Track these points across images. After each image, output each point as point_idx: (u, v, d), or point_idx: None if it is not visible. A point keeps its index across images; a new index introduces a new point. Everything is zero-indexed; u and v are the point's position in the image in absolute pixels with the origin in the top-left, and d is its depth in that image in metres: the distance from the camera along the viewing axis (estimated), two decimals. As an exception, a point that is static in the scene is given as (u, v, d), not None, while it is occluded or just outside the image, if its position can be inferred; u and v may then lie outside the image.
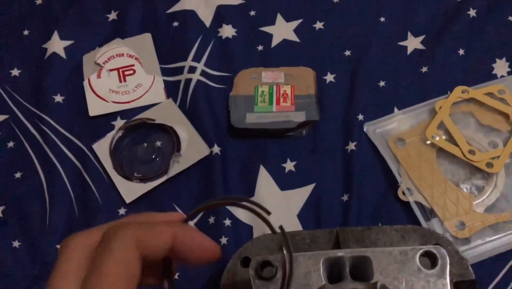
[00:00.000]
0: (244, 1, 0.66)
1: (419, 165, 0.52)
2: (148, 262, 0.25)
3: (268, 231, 0.26)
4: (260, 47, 0.63)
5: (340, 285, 0.34)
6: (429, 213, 0.50)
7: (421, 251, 0.34)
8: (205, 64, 0.61)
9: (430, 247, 0.34)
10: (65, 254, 0.24)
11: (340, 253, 0.35)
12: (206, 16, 0.65)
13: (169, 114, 0.58)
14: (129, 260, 0.23)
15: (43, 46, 0.65)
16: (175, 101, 0.60)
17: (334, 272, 0.35)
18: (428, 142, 0.54)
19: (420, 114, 0.56)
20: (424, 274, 0.34)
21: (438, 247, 0.34)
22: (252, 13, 0.65)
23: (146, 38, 0.64)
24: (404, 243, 0.41)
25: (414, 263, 0.34)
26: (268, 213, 0.26)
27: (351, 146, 0.55)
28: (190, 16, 0.65)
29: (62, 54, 0.64)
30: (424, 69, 0.59)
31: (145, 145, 0.57)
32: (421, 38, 0.62)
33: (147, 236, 0.24)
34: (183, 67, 0.61)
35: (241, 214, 0.52)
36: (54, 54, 0.63)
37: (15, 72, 0.63)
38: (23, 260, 0.52)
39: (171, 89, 0.61)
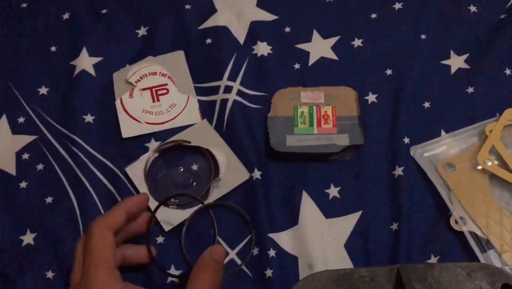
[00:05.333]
0: (277, 17, 0.64)
1: (472, 192, 0.50)
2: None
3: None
4: (297, 65, 0.61)
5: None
6: (485, 244, 0.47)
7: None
8: (241, 84, 0.59)
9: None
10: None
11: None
12: (240, 33, 0.63)
13: (204, 136, 0.56)
14: (105, 234, 0.42)
15: (72, 63, 0.62)
16: (211, 122, 0.57)
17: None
18: (479, 167, 0.51)
19: (469, 138, 0.54)
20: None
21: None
22: (287, 29, 0.63)
23: (179, 56, 0.61)
24: (471, 282, 0.39)
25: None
26: None
27: (398, 170, 0.52)
28: (223, 32, 0.63)
29: (92, 71, 0.61)
30: (470, 89, 0.57)
31: (181, 168, 0.55)
32: (464, 56, 0.59)
33: (109, 219, 0.43)
34: (218, 86, 0.59)
35: (286, 244, 0.50)
36: (83, 71, 0.61)
37: (43, 90, 0.61)
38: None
39: (206, 110, 0.58)
